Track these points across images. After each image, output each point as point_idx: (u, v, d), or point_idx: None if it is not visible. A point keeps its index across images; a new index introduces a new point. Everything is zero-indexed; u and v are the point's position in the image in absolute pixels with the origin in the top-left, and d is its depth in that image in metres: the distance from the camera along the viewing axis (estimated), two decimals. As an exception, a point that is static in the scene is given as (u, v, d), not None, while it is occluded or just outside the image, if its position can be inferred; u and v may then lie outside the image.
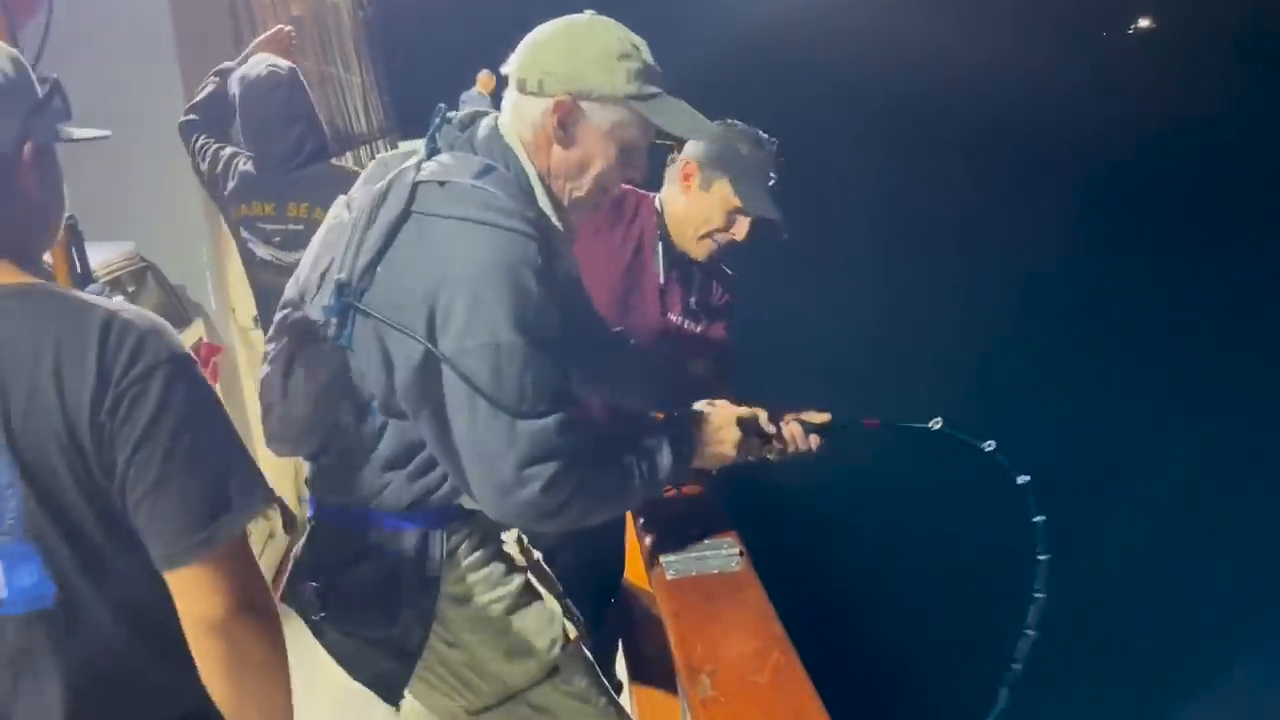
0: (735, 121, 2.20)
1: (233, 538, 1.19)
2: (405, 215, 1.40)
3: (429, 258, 1.38)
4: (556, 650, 1.64)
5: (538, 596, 1.69)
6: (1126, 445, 7.66)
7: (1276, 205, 12.19)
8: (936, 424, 1.85)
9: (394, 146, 10.64)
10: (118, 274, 3.05)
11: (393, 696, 1.60)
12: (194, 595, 1.16)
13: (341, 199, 1.59)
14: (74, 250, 2.55)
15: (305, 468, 1.70)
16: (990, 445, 1.83)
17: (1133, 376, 8.75)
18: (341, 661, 1.63)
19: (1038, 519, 1.78)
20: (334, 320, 1.42)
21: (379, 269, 1.40)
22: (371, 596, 1.55)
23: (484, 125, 1.54)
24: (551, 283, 1.42)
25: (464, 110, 1.57)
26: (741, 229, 2.18)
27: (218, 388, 3.35)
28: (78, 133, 1.45)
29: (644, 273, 2.29)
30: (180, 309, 3.31)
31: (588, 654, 1.73)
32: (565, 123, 1.49)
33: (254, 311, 3.88)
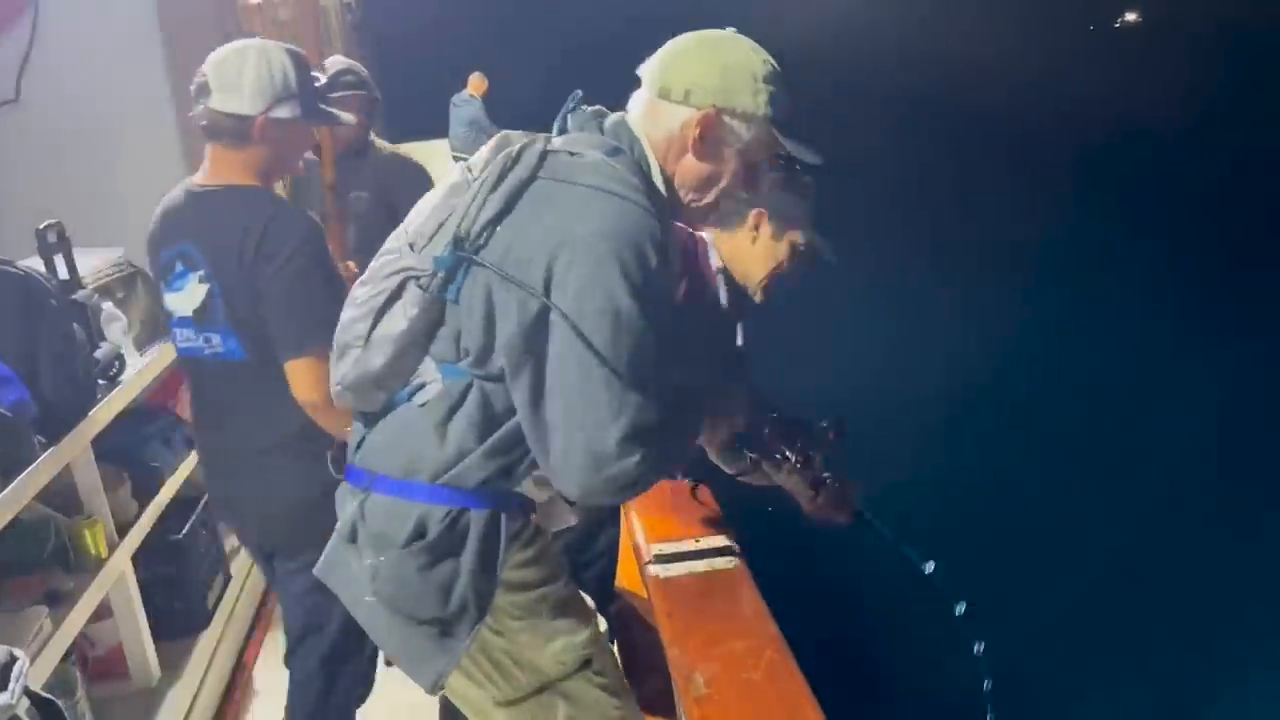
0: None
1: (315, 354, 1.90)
2: (532, 179, 1.43)
3: (553, 220, 1.39)
4: (593, 643, 1.66)
5: (580, 596, 1.71)
6: (1131, 444, 7.71)
7: (1272, 199, 12.25)
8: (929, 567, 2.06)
9: (384, 150, 10.58)
10: (106, 281, 3.03)
11: (434, 682, 1.58)
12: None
13: (462, 163, 1.58)
14: (62, 257, 2.56)
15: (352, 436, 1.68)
16: (930, 566, 2.03)
17: (1134, 371, 8.79)
18: (383, 641, 1.62)
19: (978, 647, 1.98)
20: (443, 272, 1.43)
21: (499, 228, 1.41)
22: (430, 576, 1.52)
23: (612, 117, 1.57)
24: (668, 264, 1.43)
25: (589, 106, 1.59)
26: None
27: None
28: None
29: (710, 307, 2.34)
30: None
31: (612, 647, 1.74)
32: (706, 135, 1.52)
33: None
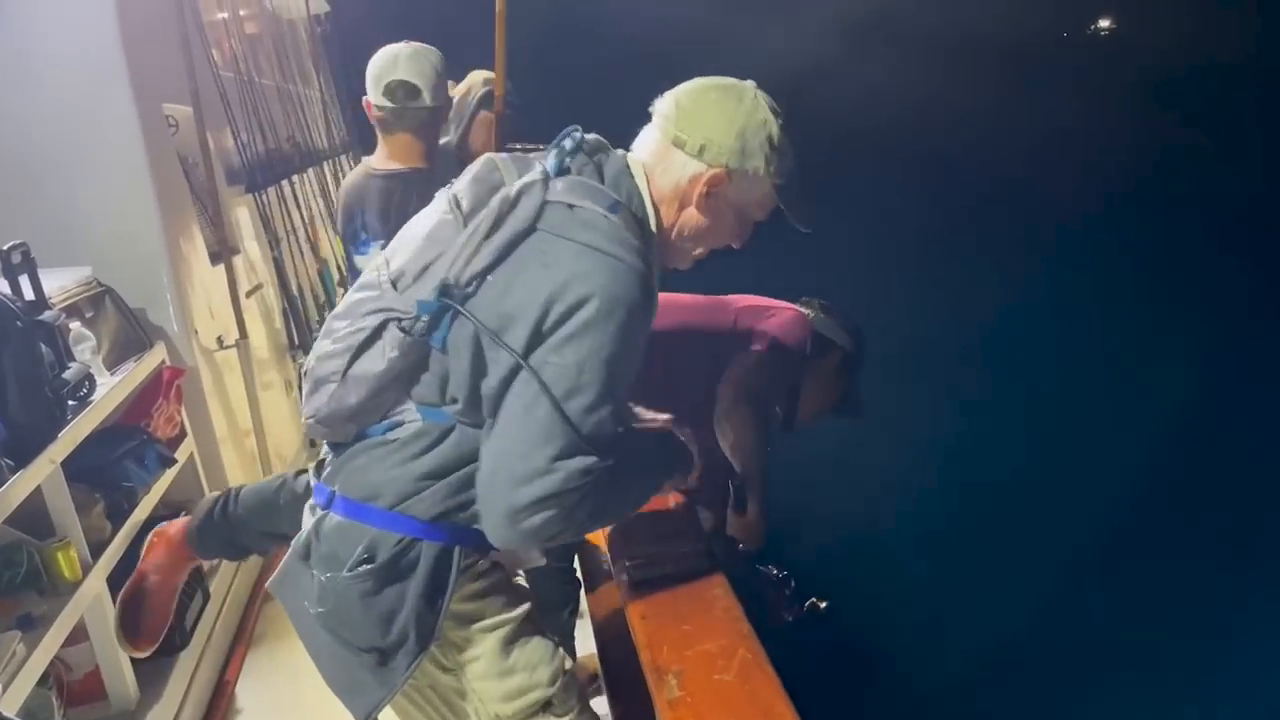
0: None
1: None
2: (530, 230, 1.41)
3: (546, 277, 1.37)
4: (558, 685, 1.64)
5: (539, 629, 1.68)
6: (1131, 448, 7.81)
7: (1255, 202, 12.41)
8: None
9: (356, 161, 10.59)
10: (74, 299, 3.01)
11: (367, 714, 1.56)
12: None
13: (446, 193, 1.56)
14: (27, 277, 2.54)
15: (317, 453, 1.69)
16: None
17: (1128, 380, 8.91)
18: (323, 666, 1.60)
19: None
20: (425, 317, 1.42)
21: (489, 277, 1.40)
22: (373, 603, 1.50)
23: (614, 159, 1.56)
24: (648, 322, 1.46)
25: (591, 136, 1.58)
26: None
27: (182, 410, 3.34)
28: None
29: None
30: (139, 333, 3.27)
31: (578, 680, 1.72)
32: (713, 191, 1.54)
33: (217, 333, 3.86)
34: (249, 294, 4.38)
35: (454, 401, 1.47)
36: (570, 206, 1.43)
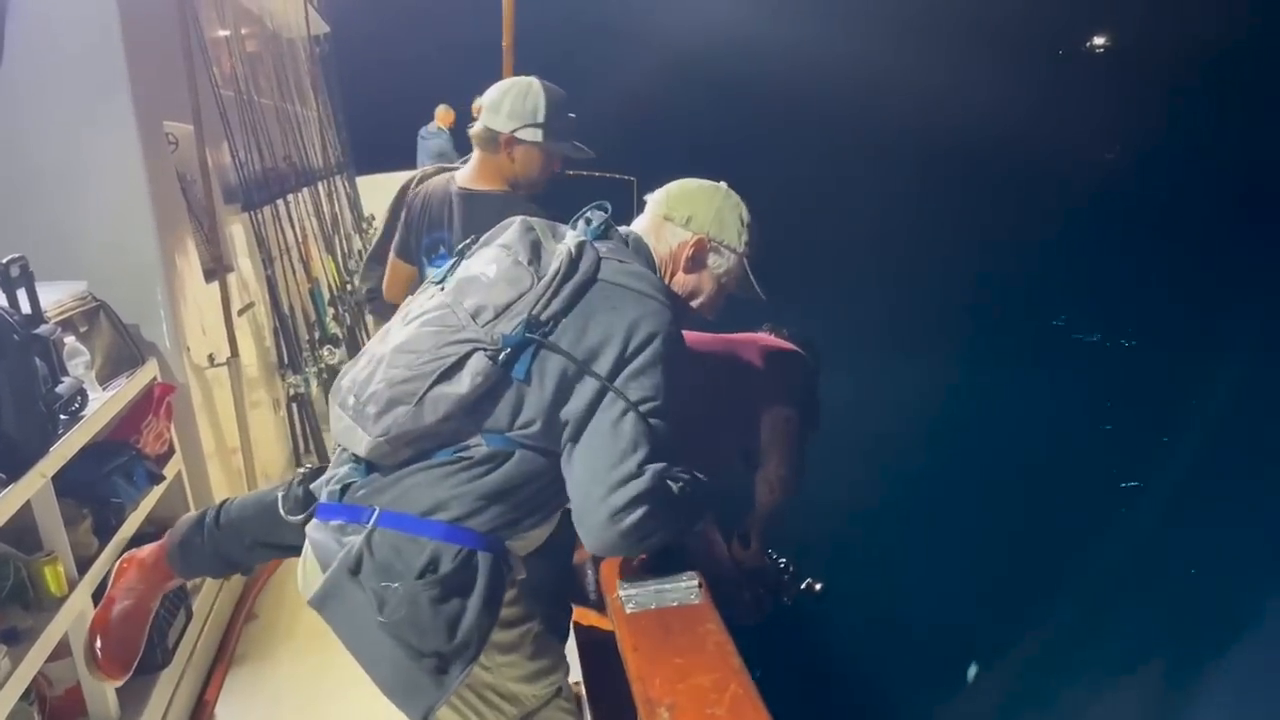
0: None
1: None
2: (593, 280, 1.69)
3: (617, 318, 1.64)
4: (564, 673, 1.88)
5: (554, 635, 1.93)
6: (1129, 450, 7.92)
7: (1251, 209, 12.62)
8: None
9: (352, 182, 10.65)
10: (69, 314, 3.01)
11: (424, 715, 1.66)
12: None
13: (499, 247, 1.80)
14: (25, 291, 2.54)
15: (345, 473, 1.78)
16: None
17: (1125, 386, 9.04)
18: (380, 671, 1.68)
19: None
20: (509, 349, 1.62)
21: (564, 319, 1.64)
22: (441, 609, 1.62)
23: (631, 232, 1.92)
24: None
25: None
26: None
27: (171, 427, 3.34)
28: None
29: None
30: (133, 349, 3.27)
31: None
32: (697, 255, 1.90)
33: (208, 350, 3.86)
34: (241, 312, 4.38)
35: (524, 427, 1.65)
36: (620, 261, 1.75)
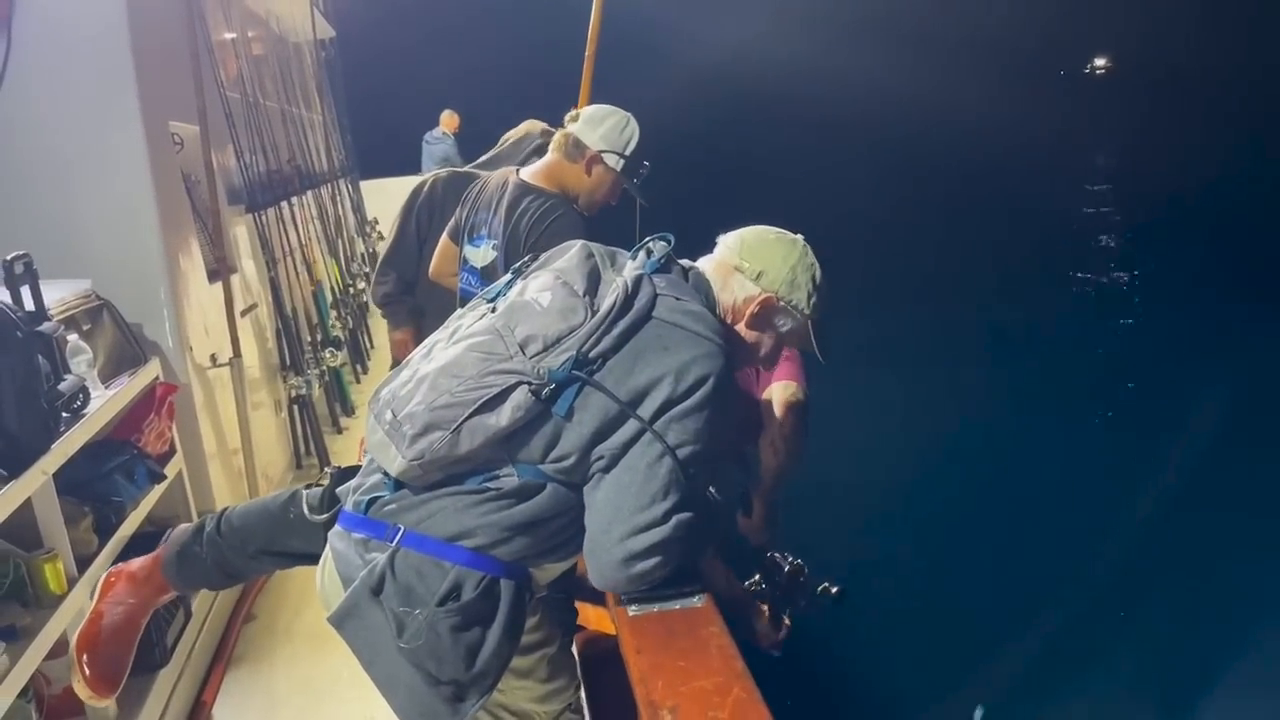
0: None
1: None
2: (647, 318, 1.64)
3: (670, 355, 1.60)
4: (576, 690, 1.94)
5: (569, 653, 1.95)
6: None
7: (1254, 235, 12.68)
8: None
9: (355, 186, 10.66)
10: (73, 312, 3.01)
11: None
12: None
13: (553, 273, 1.76)
14: (28, 288, 2.53)
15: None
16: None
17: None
18: (397, 696, 1.65)
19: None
20: (553, 384, 1.58)
21: (613, 358, 1.61)
22: (461, 637, 1.61)
23: (693, 269, 1.85)
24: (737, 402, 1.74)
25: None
26: None
27: (172, 427, 3.33)
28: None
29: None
30: (135, 348, 3.27)
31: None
32: (764, 314, 1.82)
33: (211, 351, 3.86)
34: (244, 313, 4.38)
35: (558, 461, 1.61)
36: (677, 299, 1.68)
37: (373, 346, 7.49)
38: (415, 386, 1.66)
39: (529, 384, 1.58)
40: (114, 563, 2.69)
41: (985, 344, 10.24)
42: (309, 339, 5.39)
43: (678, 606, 1.87)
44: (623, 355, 1.61)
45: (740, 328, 1.83)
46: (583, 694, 2.42)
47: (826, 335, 1.90)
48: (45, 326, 2.51)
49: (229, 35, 5.28)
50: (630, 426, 1.58)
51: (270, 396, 4.80)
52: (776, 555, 2.47)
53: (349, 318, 6.53)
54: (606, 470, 1.60)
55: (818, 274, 1.85)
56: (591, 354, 1.60)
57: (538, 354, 1.62)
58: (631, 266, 1.73)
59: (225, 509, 2.26)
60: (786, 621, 2.45)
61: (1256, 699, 5.32)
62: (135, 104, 3.41)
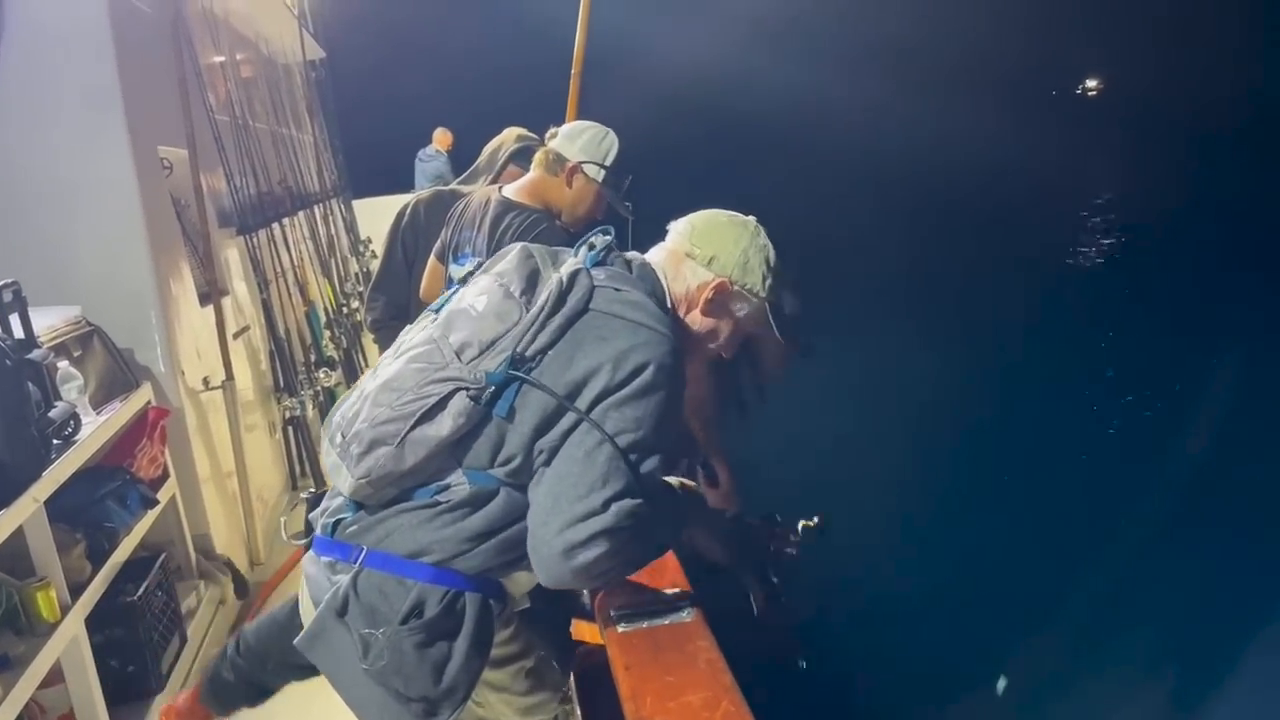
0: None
1: None
2: (584, 310, 1.61)
3: (608, 345, 1.57)
4: (560, 703, 1.89)
5: (550, 664, 1.88)
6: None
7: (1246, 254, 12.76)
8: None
9: (348, 205, 10.68)
10: (63, 338, 3.02)
11: None
12: None
13: (493, 276, 1.73)
14: (18, 315, 2.54)
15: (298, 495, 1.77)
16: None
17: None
18: (366, 712, 1.65)
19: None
20: (494, 387, 1.56)
21: (551, 352, 1.58)
22: (426, 654, 1.59)
23: (637, 259, 1.79)
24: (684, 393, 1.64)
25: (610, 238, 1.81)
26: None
27: (165, 451, 3.33)
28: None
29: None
30: (127, 373, 3.28)
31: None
32: (718, 299, 1.77)
33: (203, 374, 3.86)
34: (236, 335, 4.39)
35: (505, 464, 1.59)
36: (616, 289, 1.65)
37: (367, 367, 7.49)
38: (361, 405, 1.66)
39: (467, 389, 1.56)
40: (107, 590, 2.70)
41: (972, 363, 10.26)
42: (303, 360, 5.39)
43: (666, 622, 1.88)
44: (560, 350, 1.58)
45: (695, 315, 1.78)
46: (577, 709, 2.43)
47: (786, 318, 1.84)
48: (35, 354, 2.52)
49: (217, 59, 5.29)
50: (569, 418, 1.54)
51: (264, 419, 4.80)
52: (748, 520, 2.43)
53: (343, 338, 6.52)
54: (547, 464, 1.56)
55: (771, 255, 1.80)
56: (528, 352, 1.58)
57: (474, 358, 1.60)
58: (571, 262, 1.71)
59: (242, 628, 2.31)
60: (775, 581, 2.42)
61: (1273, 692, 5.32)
62: (123, 129, 3.43)
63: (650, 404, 1.55)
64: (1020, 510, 7.37)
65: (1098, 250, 15.15)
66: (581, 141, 2.91)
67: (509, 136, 3.60)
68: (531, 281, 1.68)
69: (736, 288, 1.77)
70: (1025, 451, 8.35)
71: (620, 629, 1.87)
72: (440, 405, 1.57)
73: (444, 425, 1.57)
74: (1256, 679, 5.30)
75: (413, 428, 1.57)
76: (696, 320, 1.78)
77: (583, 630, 2.52)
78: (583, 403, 1.54)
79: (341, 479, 1.66)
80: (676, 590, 2.01)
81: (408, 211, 3.73)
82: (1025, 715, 5.53)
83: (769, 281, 1.78)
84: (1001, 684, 5.31)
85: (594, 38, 3.85)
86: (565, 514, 1.51)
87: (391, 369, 1.67)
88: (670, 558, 2.15)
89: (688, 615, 1.91)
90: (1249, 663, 5.46)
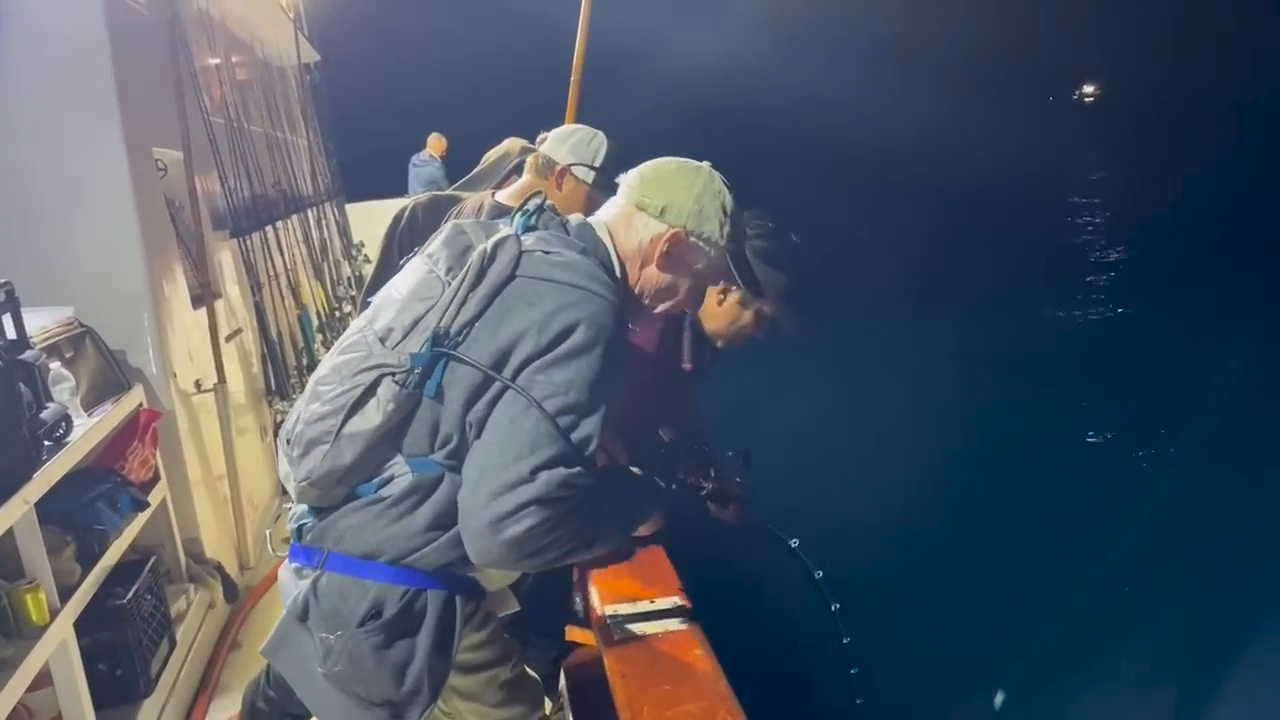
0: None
1: None
2: (511, 278, 1.53)
3: (534, 309, 1.49)
4: (538, 714, 1.81)
5: (530, 676, 1.82)
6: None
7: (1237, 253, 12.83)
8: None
9: (341, 209, 10.66)
10: (55, 339, 3.00)
11: None
12: None
13: (423, 257, 1.66)
14: (10, 316, 2.53)
15: (292, 516, 1.71)
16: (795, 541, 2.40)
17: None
18: (327, 717, 1.62)
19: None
20: (420, 368, 1.50)
21: (477, 324, 1.51)
22: (385, 656, 1.55)
23: (576, 219, 1.71)
24: (625, 354, 1.55)
25: (551, 203, 1.73)
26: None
27: (156, 454, 3.31)
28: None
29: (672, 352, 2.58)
30: (119, 375, 3.26)
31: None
32: (672, 250, 1.68)
33: (195, 376, 3.84)
34: (229, 338, 4.37)
35: (444, 445, 1.53)
36: (546, 253, 1.57)
37: (359, 370, 7.45)
38: (302, 406, 1.62)
39: (392, 374, 1.51)
40: (97, 593, 2.68)
41: (971, 362, 10.30)
42: (294, 363, 5.37)
43: (663, 630, 1.87)
44: (486, 320, 1.51)
45: (651, 271, 1.69)
46: (570, 717, 2.42)
47: (747, 268, 1.77)
48: (27, 355, 2.50)
49: (213, 61, 5.28)
50: (495, 387, 1.48)
51: (256, 422, 4.77)
52: (682, 477, 2.44)
53: (335, 341, 6.52)
54: (478, 437, 1.50)
55: (728, 201, 1.70)
56: (452, 328, 1.51)
57: (399, 342, 1.54)
58: (500, 232, 1.63)
59: (268, 664, 2.27)
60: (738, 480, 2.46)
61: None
62: (118, 130, 3.41)
63: (581, 365, 1.46)
64: (1021, 510, 7.38)
65: (1108, 248, 15.22)
66: (570, 144, 2.92)
67: (514, 146, 3.61)
68: (462, 258, 1.60)
69: (692, 238, 1.68)
70: (1025, 452, 8.37)
71: (615, 636, 1.86)
72: (369, 394, 1.52)
73: (374, 414, 1.52)
74: (1272, 678, 5.32)
75: (345, 421, 1.53)
76: (653, 276, 1.69)
77: (575, 633, 2.52)
78: (509, 370, 1.47)
79: (291, 485, 1.64)
80: (673, 598, 2.01)
81: (405, 215, 3.71)
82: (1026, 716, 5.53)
83: (726, 229, 1.69)
84: (999, 699, 5.30)
85: (594, 41, 3.85)
86: (491, 484, 1.44)
87: (325, 365, 1.63)
88: (666, 565, 2.15)
89: (683, 623, 1.91)
90: (1265, 662, 5.47)
